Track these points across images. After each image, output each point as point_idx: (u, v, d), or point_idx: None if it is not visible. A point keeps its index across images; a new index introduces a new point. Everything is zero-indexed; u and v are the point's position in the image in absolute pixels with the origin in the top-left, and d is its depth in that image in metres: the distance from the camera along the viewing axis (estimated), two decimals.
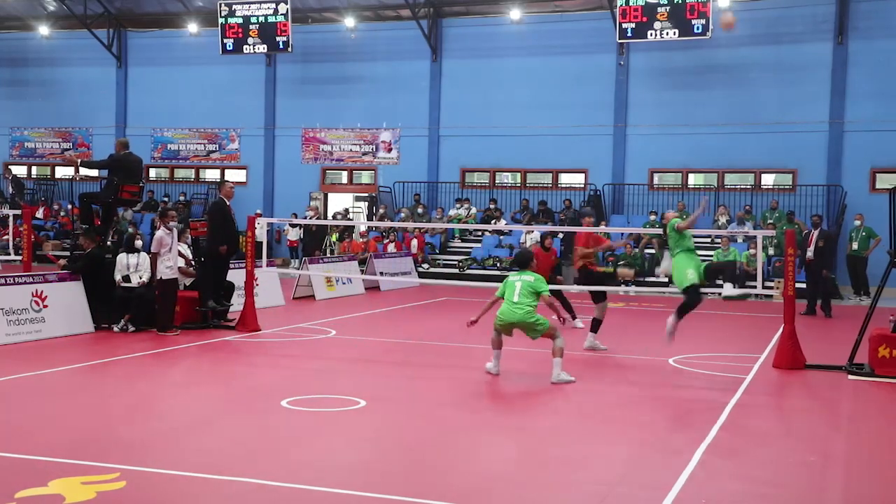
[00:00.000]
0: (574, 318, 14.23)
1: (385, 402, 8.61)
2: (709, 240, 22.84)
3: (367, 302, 17.73)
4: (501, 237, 24.54)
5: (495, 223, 24.05)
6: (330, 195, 28.83)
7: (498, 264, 23.10)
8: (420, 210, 25.75)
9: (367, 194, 28.10)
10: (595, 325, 11.84)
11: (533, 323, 9.59)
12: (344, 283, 18.69)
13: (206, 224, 13.29)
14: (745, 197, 23.93)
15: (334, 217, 26.73)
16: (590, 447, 7.08)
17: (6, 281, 11.48)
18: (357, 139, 28.05)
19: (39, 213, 28.20)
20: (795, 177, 23.84)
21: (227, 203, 13.00)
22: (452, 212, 25.64)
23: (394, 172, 27.44)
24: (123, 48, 30.22)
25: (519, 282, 9.78)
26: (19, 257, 13.24)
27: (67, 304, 12.04)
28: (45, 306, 11.72)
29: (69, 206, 27.37)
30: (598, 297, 11.88)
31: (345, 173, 28.79)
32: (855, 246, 19.80)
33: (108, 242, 13.51)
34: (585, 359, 11.21)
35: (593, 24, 25.10)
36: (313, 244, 24.91)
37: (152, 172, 30.41)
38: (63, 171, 31.20)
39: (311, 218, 24.81)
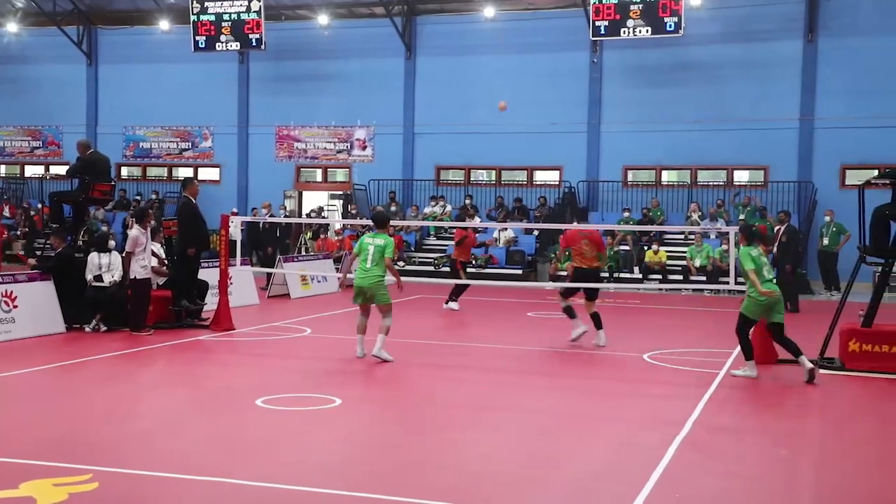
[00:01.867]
0: (454, 300, 15.77)
1: (361, 400, 8.59)
2: (682, 236, 23.01)
3: (343, 300, 17.66)
4: (476, 234, 24.51)
5: (470, 220, 24.03)
6: (304, 193, 28.71)
7: (474, 262, 23.08)
8: (394, 208, 25.71)
9: (341, 192, 28.01)
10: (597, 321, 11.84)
11: (380, 291, 10.01)
12: (319, 282, 18.62)
13: (176, 224, 13.21)
14: (718, 193, 24.12)
15: (308, 215, 26.61)
16: (563, 444, 7.10)
17: None
18: (331, 137, 27.95)
19: (7, 212, 27.87)
20: (767, 173, 24.07)
21: (195, 202, 12.93)
22: (427, 209, 25.62)
23: (368, 170, 27.38)
24: (94, 45, 29.90)
25: (372, 246, 10.06)
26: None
27: (38, 304, 11.90)
28: (15, 307, 11.57)
29: (39, 206, 27.06)
30: (591, 295, 12.04)
31: (319, 171, 28.67)
32: (826, 241, 20.03)
33: (80, 242, 13.38)
34: (559, 354, 11.25)
35: (566, 21, 25.17)
36: (268, 242, 23.75)
37: (124, 171, 30.12)
38: (33, 171, 30.84)
39: (265, 215, 24.38)
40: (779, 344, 9.96)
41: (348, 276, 10.44)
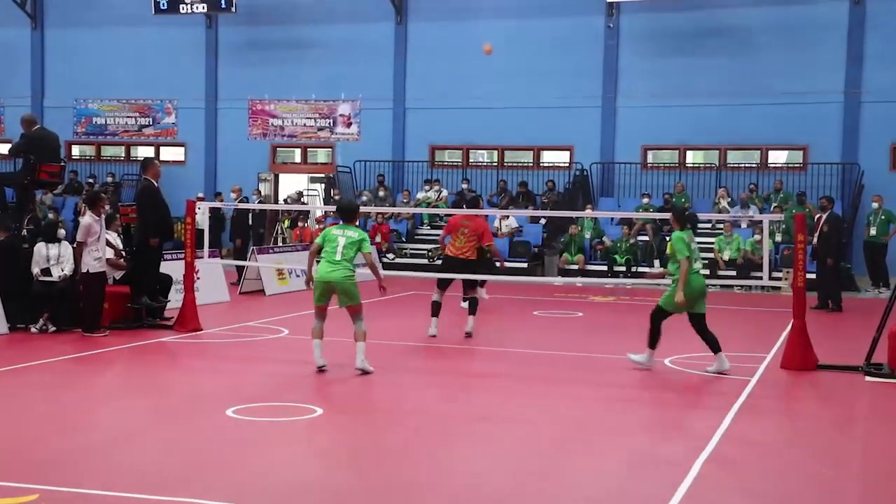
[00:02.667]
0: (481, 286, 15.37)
1: (344, 410, 8.60)
2: (709, 226, 23.02)
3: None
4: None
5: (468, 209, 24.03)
6: (281, 176, 28.67)
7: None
8: (383, 193, 25.69)
9: (323, 175, 27.96)
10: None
11: (351, 287, 9.91)
12: (297, 276, 18.60)
13: (135, 210, 13.19)
14: (750, 176, 24.13)
15: (286, 201, 26.59)
16: (575, 459, 7.11)
17: None
18: (311, 112, 27.90)
19: None
20: (806, 154, 24.08)
21: (156, 185, 12.91)
22: (420, 195, 25.61)
23: (354, 150, 27.34)
24: (39, 7, 29.77)
25: (342, 237, 9.99)
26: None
27: None
28: None
29: None
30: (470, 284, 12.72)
31: (298, 151, 28.62)
32: (873, 231, 20.03)
33: (24, 231, 13.35)
34: (568, 358, 11.27)
35: None
36: (249, 235, 23.75)
37: (75, 150, 30.03)
38: None
39: (235, 201, 24.34)
40: (700, 336, 10.42)
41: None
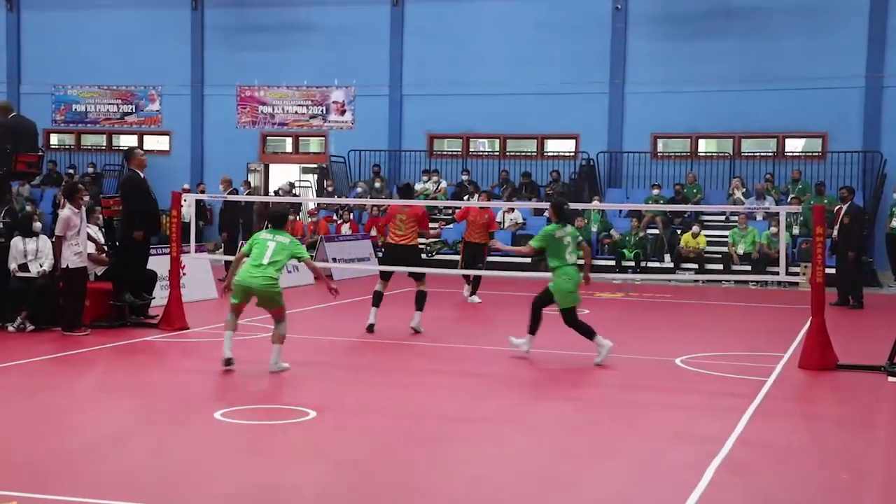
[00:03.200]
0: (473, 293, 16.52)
1: (338, 412, 8.60)
2: (723, 218, 23.03)
3: (318, 293, 17.68)
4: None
5: (469, 199, 24.06)
6: (271, 166, 28.67)
7: (459, 246, 23.06)
8: (379, 184, 25.69)
9: (316, 165, 27.96)
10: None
11: (274, 294, 10.02)
12: (289, 272, 18.59)
13: (119, 202, 13.18)
14: (766, 166, 24.13)
15: (277, 193, 26.57)
16: (580, 463, 7.12)
17: None
18: (303, 99, 27.89)
19: None
20: (826, 142, 24.08)
21: (142, 175, 12.91)
22: (419, 186, 25.60)
23: (348, 139, 27.34)
24: None
25: (272, 242, 10.10)
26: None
27: None
28: None
29: None
30: (417, 276, 13.02)
31: (289, 140, 28.62)
32: (895, 223, 20.02)
33: (0, 224, 13.33)
34: (575, 357, 11.27)
35: None
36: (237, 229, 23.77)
37: (54, 139, 30.03)
38: None
39: (223, 192, 24.27)
40: (571, 328, 10.97)
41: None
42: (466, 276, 16.67)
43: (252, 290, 10.00)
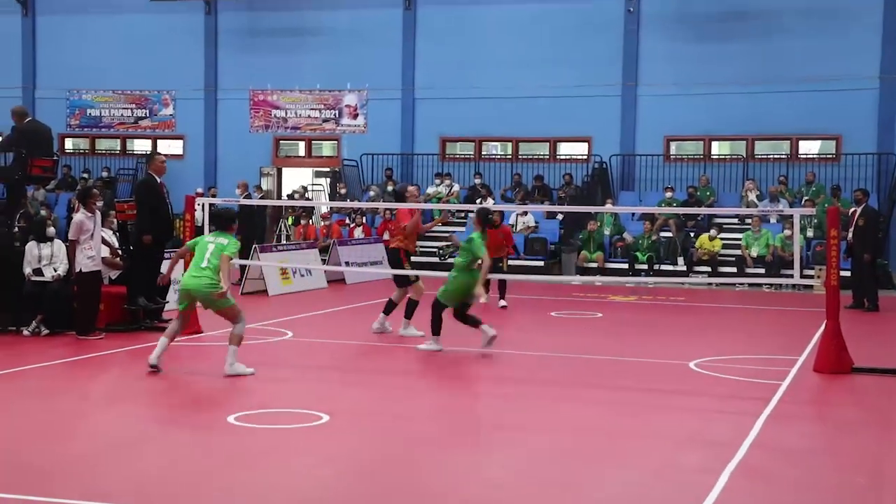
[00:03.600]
0: (501, 297, 16.22)
1: (352, 416, 8.60)
2: (737, 220, 22.95)
3: (331, 297, 17.70)
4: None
5: (482, 202, 24.05)
6: (284, 170, 28.72)
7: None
8: (392, 187, 25.69)
9: (329, 169, 28.00)
10: (390, 307, 12.88)
11: (211, 294, 9.87)
12: (302, 276, 18.65)
13: (133, 206, 13.21)
14: (780, 168, 24.05)
15: (290, 196, 26.63)
16: (595, 468, 7.09)
17: None
18: (316, 103, 27.94)
19: None
20: (840, 144, 23.98)
21: (158, 180, 12.91)
22: (431, 189, 25.61)
23: (361, 143, 27.37)
24: None
25: (212, 244, 10.08)
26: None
27: None
28: None
29: None
30: (402, 282, 12.79)
31: (302, 144, 28.67)
32: None
33: (16, 229, 13.39)
34: (587, 361, 11.25)
35: None
36: (252, 231, 23.93)
37: (68, 143, 30.15)
38: None
39: (240, 196, 24.42)
40: (462, 322, 11.48)
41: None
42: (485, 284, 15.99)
43: (192, 293, 9.98)
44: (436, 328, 11.46)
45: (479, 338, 11.52)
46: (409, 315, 12.63)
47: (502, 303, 16.15)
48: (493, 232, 15.04)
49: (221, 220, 10.48)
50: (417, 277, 12.87)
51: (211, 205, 13.49)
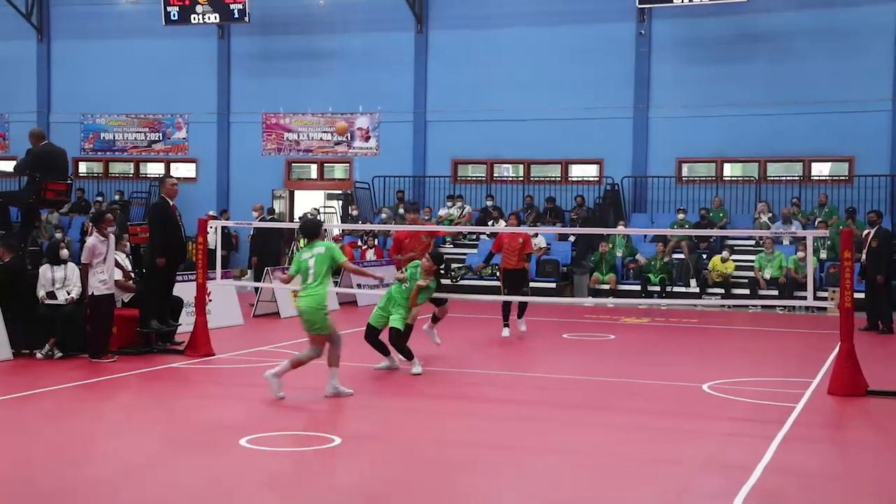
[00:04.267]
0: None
1: (365, 439, 8.58)
2: (752, 242, 22.89)
3: (343, 320, 17.63)
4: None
5: (493, 224, 24.06)
6: (297, 192, 28.81)
7: (497, 274, 23.07)
8: (403, 210, 25.72)
9: (341, 191, 28.07)
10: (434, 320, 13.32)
11: (314, 315, 9.96)
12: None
13: (146, 229, 13.26)
14: (792, 190, 24.00)
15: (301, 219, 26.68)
16: (607, 492, 7.05)
17: None
18: (328, 126, 28.05)
19: None
20: (852, 165, 23.93)
21: (171, 203, 12.97)
22: (443, 211, 25.65)
23: (372, 165, 27.44)
24: (46, 18, 30.17)
25: (312, 258, 10.12)
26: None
27: None
28: None
29: None
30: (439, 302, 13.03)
31: (314, 167, 28.76)
32: None
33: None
34: (600, 383, 11.21)
35: None
36: (266, 254, 24.12)
37: (82, 167, 30.31)
38: None
39: (256, 219, 24.61)
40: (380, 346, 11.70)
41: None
42: (505, 313, 15.31)
43: (303, 313, 10.11)
44: (384, 350, 11.77)
45: (497, 361, 11.51)
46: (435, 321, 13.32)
47: (522, 327, 15.40)
48: (512, 238, 15.28)
49: (310, 230, 10.54)
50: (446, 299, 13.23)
51: (301, 217, 13.83)
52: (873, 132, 23.45)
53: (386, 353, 11.76)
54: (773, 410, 9.78)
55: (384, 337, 11.72)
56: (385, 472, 7.57)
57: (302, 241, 10.97)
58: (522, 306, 15.48)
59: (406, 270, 11.79)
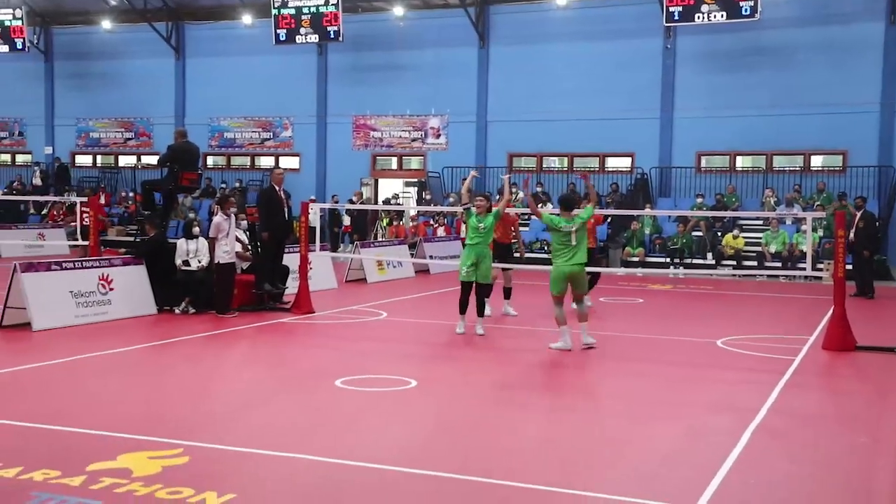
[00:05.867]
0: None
1: (435, 382, 8.63)
2: (759, 222, 22.45)
3: (418, 285, 17.79)
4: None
5: (542, 207, 23.90)
6: (380, 181, 28.94)
7: (546, 248, 22.99)
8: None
9: (416, 180, 28.13)
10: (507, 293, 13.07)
11: (584, 273, 10.07)
12: (395, 267, 18.77)
13: (257, 210, 13.42)
14: (794, 179, 23.45)
15: (386, 202, 26.83)
16: (636, 428, 7.02)
17: (75, 265, 11.76)
18: (406, 126, 28.08)
19: (101, 200, 28.81)
20: (846, 158, 23.28)
21: (277, 189, 13.03)
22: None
23: (442, 158, 27.43)
24: (181, 40, 30.61)
25: (572, 227, 9.96)
26: (87, 243, 13.57)
27: (132, 287, 12.27)
28: (112, 289, 11.95)
29: (132, 194, 27.92)
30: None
31: (394, 159, 28.84)
32: None
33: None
34: (630, 339, 11.12)
35: (640, 8, 24.71)
36: (361, 229, 25.05)
37: (210, 160, 30.81)
38: (126, 160, 31.82)
39: (356, 203, 24.99)
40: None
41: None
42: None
43: (571, 276, 9.98)
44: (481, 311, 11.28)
45: (549, 320, 11.44)
46: (508, 297, 13.08)
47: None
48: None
49: (569, 202, 10.26)
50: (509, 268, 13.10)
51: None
52: (863, 130, 22.79)
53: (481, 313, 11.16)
54: (776, 362, 9.62)
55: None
56: (451, 408, 7.61)
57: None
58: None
59: (469, 219, 11.09)
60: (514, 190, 13.27)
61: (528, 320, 12.48)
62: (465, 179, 12.96)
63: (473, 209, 11.22)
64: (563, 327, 10.01)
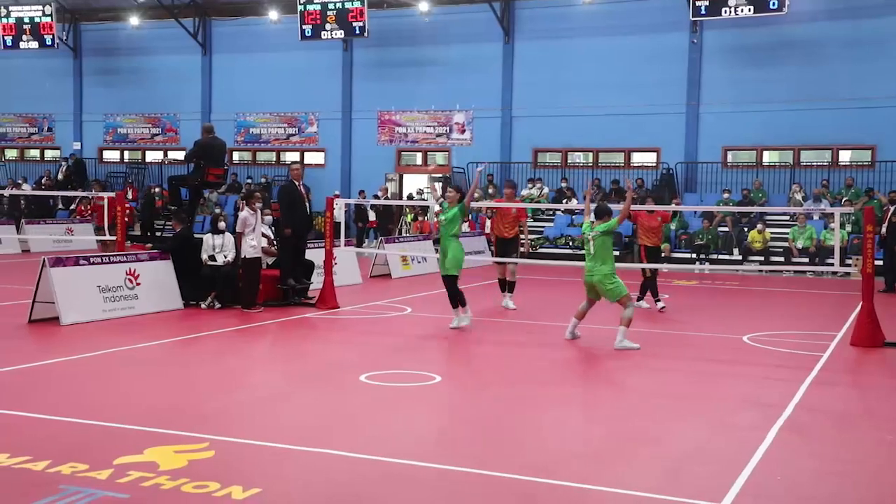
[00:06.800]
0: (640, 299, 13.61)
1: (459, 377, 8.63)
2: (787, 218, 22.22)
3: (439, 281, 17.75)
4: (573, 216, 24.33)
5: (567, 202, 23.82)
6: (405, 176, 28.96)
7: (570, 243, 22.93)
8: (492, 190, 25.66)
9: (441, 175, 28.12)
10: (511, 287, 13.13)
11: (604, 285, 9.87)
12: (419, 262, 18.77)
13: (278, 206, 13.43)
14: (822, 174, 23.17)
15: (410, 198, 26.85)
16: (662, 423, 6.96)
17: (102, 260, 11.87)
18: (431, 121, 28.07)
19: (128, 195, 29.07)
20: (875, 152, 22.96)
21: (297, 184, 12.95)
22: (525, 191, 25.47)
23: (467, 153, 27.39)
24: (208, 36, 30.79)
25: (592, 238, 9.97)
26: (114, 237, 13.67)
27: (158, 281, 12.36)
28: (138, 284, 12.04)
29: (158, 189, 28.14)
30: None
31: (419, 154, 28.85)
32: None
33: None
34: (657, 336, 11.05)
35: (666, 2, 24.51)
36: (386, 223, 25.20)
37: (235, 156, 30.98)
38: (153, 156, 32.08)
39: (381, 198, 25.04)
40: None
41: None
42: (502, 283, 13.38)
43: (594, 286, 9.99)
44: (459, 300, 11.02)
45: (569, 315, 11.40)
46: (511, 290, 13.10)
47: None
48: (648, 218, 14.05)
49: (598, 211, 10.14)
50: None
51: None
52: (893, 124, 22.46)
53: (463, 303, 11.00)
54: (802, 358, 9.51)
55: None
56: (475, 403, 7.59)
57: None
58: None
59: (443, 206, 11.34)
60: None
61: (555, 316, 12.42)
62: (479, 170, 13.27)
63: (445, 202, 11.22)
64: (572, 320, 10.33)
